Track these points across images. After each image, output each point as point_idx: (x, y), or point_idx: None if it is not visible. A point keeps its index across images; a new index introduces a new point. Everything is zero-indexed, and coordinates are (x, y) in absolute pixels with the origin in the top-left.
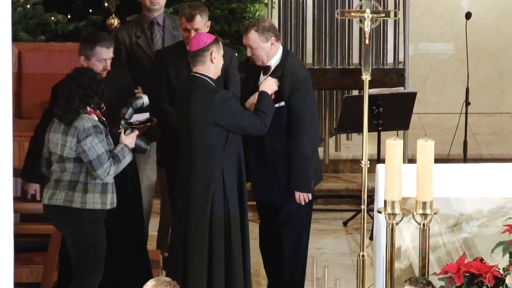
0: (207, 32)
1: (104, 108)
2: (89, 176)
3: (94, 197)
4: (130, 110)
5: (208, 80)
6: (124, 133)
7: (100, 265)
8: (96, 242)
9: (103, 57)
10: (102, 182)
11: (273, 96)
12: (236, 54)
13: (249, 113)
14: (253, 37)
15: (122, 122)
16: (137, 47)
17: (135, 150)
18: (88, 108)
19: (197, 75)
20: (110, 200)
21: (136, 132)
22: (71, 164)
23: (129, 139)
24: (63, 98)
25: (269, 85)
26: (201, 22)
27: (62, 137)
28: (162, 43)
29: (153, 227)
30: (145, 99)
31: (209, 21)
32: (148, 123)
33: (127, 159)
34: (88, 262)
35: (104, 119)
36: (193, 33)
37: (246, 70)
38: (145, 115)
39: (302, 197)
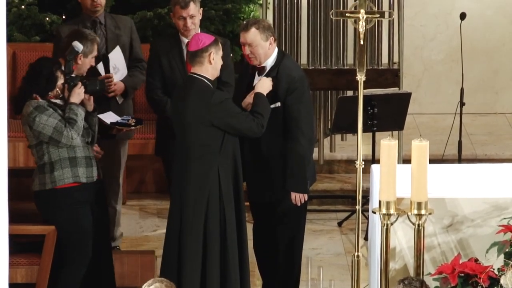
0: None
1: (62, 95)
2: (52, 155)
3: (63, 173)
4: (68, 63)
5: (205, 81)
6: (69, 89)
7: (86, 249)
8: (78, 229)
9: (96, 54)
10: (68, 156)
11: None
12: (231, 55)
13: (246, 114)
14: (253, 35)
15: (67, 77)
16: None
17: (94, 93)
18: (34, 95)
19: (195, 75)
20: (85, 174)
21: (79, 84)
22: (34, 150)
23: (74, 96)
24: None
25: (264, 85)
26: (195, 9)
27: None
28: (105, 42)
29: (149, 227)
30: (77, 46)
31: (201, 8)
32: (129, 126)
33: (80, 115)
34: (73, 247)
35: (59, 102)
36: (188, 20)
37: (240, 70)
38: (127, 117)
39: (297, 197)
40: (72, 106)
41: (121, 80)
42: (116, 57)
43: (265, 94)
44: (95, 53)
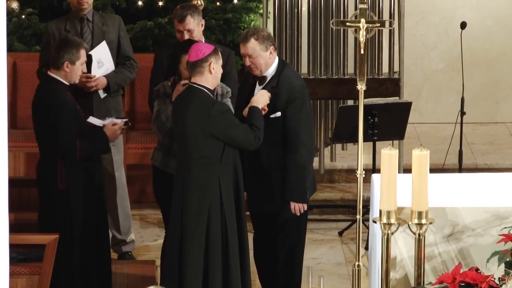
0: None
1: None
2: None
3: None
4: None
5: (206, 91)
6: None
7: None
8: None
9: (85, 59)
10: None
11: (266, 109)
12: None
13: (245, 126)
14: (253, 46)
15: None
16: None
17: None
18: None
19: (195, 85)
20: None
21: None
22: None
23: None
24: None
25: (260, 99)
26: (193, 23)
27: None
28: (92, 38)
29: (150, 237)
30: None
31: (203, 20)
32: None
33: None
34: None
35: None
36: (185, 34)
37: (241, 80)
38: (110, 119)
39: (297, 207)
40: None
41: (105, 76)
42: (101, 51)
43: (260, 108)
44: (83, 59)
